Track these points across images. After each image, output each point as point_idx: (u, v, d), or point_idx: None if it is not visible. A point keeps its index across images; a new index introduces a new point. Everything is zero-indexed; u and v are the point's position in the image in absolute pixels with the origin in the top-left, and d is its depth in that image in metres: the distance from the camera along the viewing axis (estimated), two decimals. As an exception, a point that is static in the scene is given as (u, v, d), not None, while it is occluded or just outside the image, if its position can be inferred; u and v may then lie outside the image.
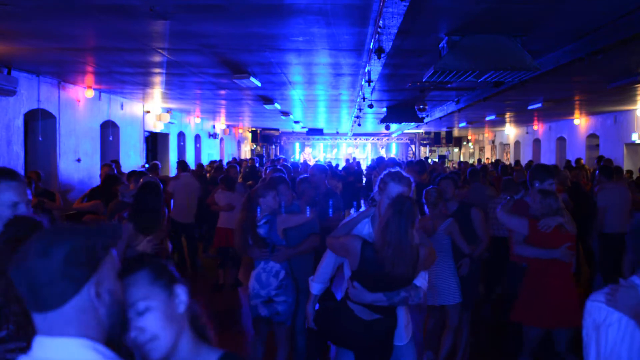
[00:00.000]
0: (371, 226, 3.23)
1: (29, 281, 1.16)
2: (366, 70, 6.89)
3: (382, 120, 13.87)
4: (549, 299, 4.06)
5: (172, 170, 13.83)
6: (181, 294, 1.47)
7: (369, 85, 7.57)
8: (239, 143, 24.87)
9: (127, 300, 1.39)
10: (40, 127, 8.69)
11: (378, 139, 29.51)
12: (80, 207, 6.84)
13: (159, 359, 1.41)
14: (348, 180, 13.80)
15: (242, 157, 23.54)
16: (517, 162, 15.72)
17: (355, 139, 29.33)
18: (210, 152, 19.14)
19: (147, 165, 12.90)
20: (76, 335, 1.18)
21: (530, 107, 12.40)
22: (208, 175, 11.88)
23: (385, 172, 3.30)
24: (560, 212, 4.08)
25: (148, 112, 13.09)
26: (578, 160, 13.61)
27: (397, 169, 3.35)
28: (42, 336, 1.19)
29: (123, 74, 8.45)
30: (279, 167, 6.99)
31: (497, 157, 23.09)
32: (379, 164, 9.55)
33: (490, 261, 6.97)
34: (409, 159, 24.52)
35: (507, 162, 19.19)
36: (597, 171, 8.06)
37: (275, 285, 4.03)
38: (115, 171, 8.52)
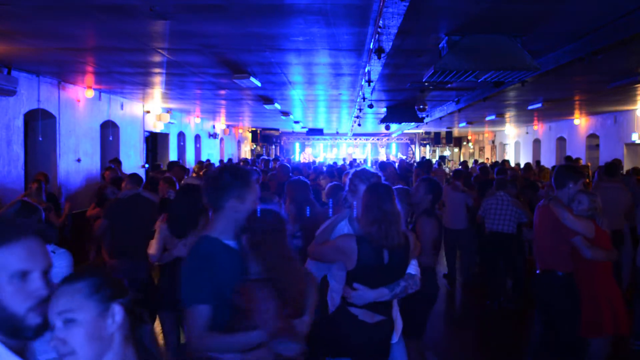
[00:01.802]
0: (350, 227, 3.21)
1: None
2: (366, 70, 6.88)
3: (382, 120, 13.87)
4: (612, 302, 3.96)
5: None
6: (117, 313, 1.41)
7: (369, 85, 7.57)
8: (239, 143, 24.86)
9: (56, 308, 1.37)
10: (40, 127, 8.69)
11: (378, 139, 29.51)
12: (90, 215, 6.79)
13: None
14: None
15: (242, 157, 23.53)
16: (505, 161, 15.67)
17: (355, 139, 29.33)
18: (210, 152, 19.14)
19: (147, 166, 12.92)
20: None
21: (530, 107, 12.40)
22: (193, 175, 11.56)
23: (352, 172, 3.32)
24: (600, 211, 4.08)
25: (148, 112, 13.09)
26: (577, 160, 13.62)
27: (363, 167, 3.38)
28: None
29: (123, 74, 8.45)
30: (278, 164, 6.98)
31: (497, 158, 23.10)
32: (381, 167, 9.61)
33: (492, 257, 7.03)
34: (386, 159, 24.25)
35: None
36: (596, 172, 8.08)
37: None
38: (119, 173, 8.44)
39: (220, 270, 2.25)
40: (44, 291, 1.38)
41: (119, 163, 9.74)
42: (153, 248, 4.32)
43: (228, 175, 2.35)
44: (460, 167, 11.03)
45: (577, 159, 14.03)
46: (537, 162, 16.96)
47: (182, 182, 5.04)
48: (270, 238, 2.31)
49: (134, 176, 5.69)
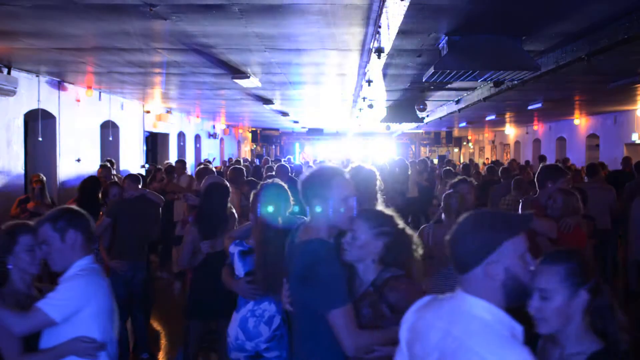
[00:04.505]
0: None
1: None
2: (366, 70, 6.89)
3: (382, 120, 13.87)
4: None
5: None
6: (582, 295, 1.69)
7: (369, 85, 7.58)
8: (239, 143, 24.86)
9: (537, 283, 1.67)
10: (40, 127, 8.69)
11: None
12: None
13: (543, 334, 1.73)
14: None
15: (242, 156, 23.51)
16: (513, 161, 15.78)
17: (355, 139, 29.30)
18: (210, 152, 19.14)
19: (147, 165, 12.92)
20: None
21: (530, 107, 12.40)
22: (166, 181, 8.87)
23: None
24: (579, 211, 3.95)
25: (148, 112, 13.09)
26: (566, 160, 13.67)
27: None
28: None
29: (123, 74, 8.45)
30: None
31: (497, 158, 23.08)
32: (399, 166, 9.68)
33: None
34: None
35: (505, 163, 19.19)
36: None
37: (267, 337, 3.12)
38: (114, 171, 8.40)
39: (342, 269, 2.32)
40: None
41: (112, 164, 9.64)
42: (182, 254, 4.12)
43: (310, 177, 2.42)
44: (449, 167, 11.18)
45: (566, 159, 14.07)
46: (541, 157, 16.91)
47: (205, 181, 4.77)
48: (400, 239, 2.43)
49: (133, 176, 5.68)
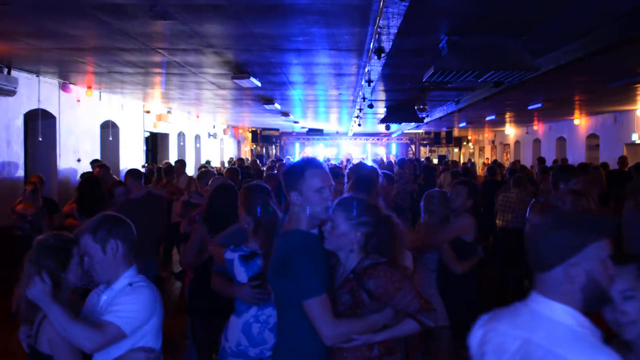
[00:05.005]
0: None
1: None
2: (366, 70, 6.89)
3: (382, 120, 13.86)
4: None
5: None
6: None
7: (369, 85, 7.58)
8: (239, 143, 24.86)
9: (617, 287, 1.65)
10: (40, 127, 8.69)
11: (378, 139, 29.51)
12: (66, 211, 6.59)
13: (630, 339, 1.68)
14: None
15: (243, 157, 23.50)
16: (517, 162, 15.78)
17: (355, 139, 29.31)
18: (210, 152, 19.14)
19: (146, 165, 12.92)
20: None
21: (530, 107, 12.40)
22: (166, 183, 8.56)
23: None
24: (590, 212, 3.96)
25: (148, 112, 13.09)
26: (564, 161, 13.67)
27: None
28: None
29: (123, 74, 8.45)
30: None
31: (497, 158, 23.09)
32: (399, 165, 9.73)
33: (504, 253, 7.00)
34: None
35: (505, 162, 19.23)
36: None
37: (273, 344, 2.88)
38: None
39: (322, 258, 2.34)
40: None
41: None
42: (189, 252, 4.04)
43: (286, 170, 2.45)
44: (456, 169, 11.30)
45: (564, 160, 14.07)
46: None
47: (212, 181, 4.82)
48: (383, 228, 2.44)
49: (135, 173, 5.67)
